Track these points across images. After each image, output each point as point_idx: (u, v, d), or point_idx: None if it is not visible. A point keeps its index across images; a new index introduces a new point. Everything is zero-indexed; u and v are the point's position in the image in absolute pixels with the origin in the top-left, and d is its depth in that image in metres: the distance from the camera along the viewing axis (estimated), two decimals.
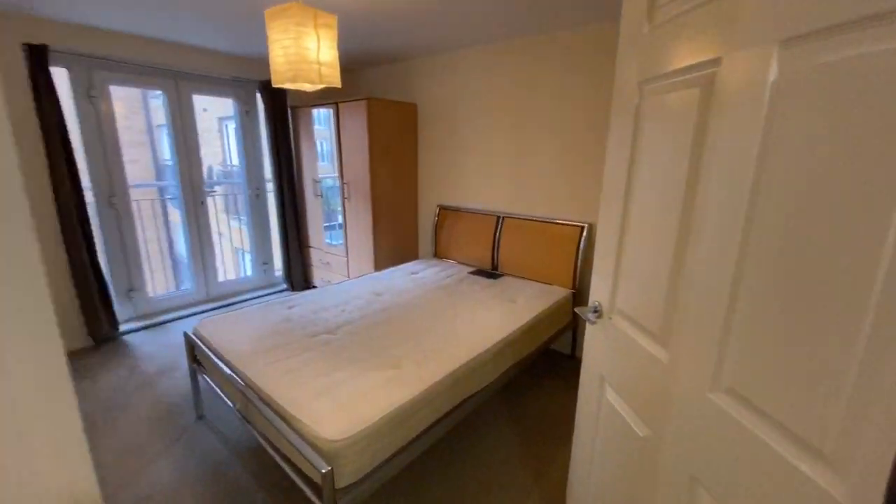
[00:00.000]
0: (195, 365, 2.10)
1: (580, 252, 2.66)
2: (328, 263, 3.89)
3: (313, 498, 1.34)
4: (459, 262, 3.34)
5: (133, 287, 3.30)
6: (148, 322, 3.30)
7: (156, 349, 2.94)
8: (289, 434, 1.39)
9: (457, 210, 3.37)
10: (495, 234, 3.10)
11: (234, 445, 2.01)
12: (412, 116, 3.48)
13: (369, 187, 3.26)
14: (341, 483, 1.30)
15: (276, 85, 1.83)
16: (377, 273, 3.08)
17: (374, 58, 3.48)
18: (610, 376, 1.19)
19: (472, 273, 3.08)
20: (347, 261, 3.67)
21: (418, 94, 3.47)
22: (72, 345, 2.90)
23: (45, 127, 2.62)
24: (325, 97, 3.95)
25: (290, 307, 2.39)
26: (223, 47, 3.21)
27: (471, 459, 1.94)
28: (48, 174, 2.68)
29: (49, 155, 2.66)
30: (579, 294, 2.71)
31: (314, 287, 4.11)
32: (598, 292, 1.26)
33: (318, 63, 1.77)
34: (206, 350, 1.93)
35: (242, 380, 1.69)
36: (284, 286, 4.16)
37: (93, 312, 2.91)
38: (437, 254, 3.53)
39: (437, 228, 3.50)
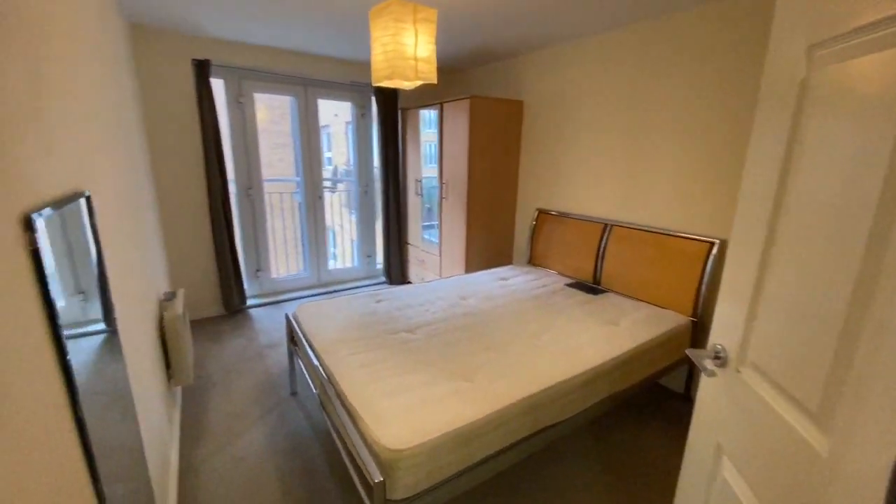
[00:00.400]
0: (292, 345, 2.28)
1: (707, 274, 2.20)
2: (423, 261, 3.96)
3: (367, 502, 1.30)
4: (556, 272, 3.08)
5: (260, 268, 3.78)
6: (268, 300, 3.75)
7: (270, 325, 3.31)
8: (352, 433, 1.38)
9: (558, 215, 3.11)
10: (600, 243, 2.77)
11: (316, 426, 2.12)
12: (517, 114, 3.32)
13: (466, 187, 3.19)
14: (394, 495, 1.24)
15: (375, 83, 1.85)
16: (467, 275, 3.00)
17: (480, 56, 3.41)
18: (731, 448, 0.89)
19: (570, 285, 2.80)
20: (440, 260, 3.67)
21: (525, 91, 3.29)
22: (210, 312, 3.43)
23: (204, 129, 3.13)
24: (431, 97, 4.02)
25: (377, 301, 2.44)
26: (344, 54, 3.46)
27: (543, 498, 1.73)
28: (204, 168, 3.20)
29: (205, 152, 3.17)
30: (701, 325, 2.25)
31: (409, 283, 4.23)
32: (722, 332, 0.96)
33: (415, 59, 1.74)
34: (300, 333, 2.07)
35: (323, 368, 1.75)
36: (383, 279, 4.36)
37: (228, 286, 3.40)
38: (533, 260, 3.31)
39: (534, 233, 3.28)
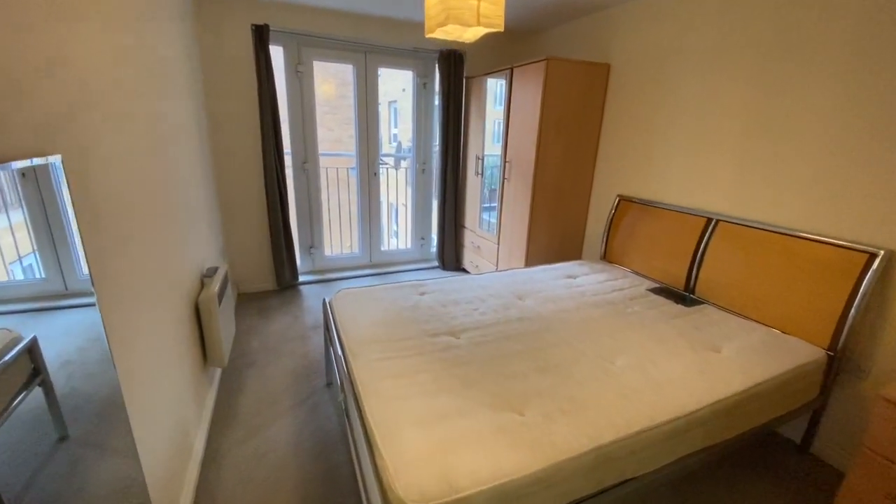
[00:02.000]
0: (328, 333, 2.10)
1: (860, 294, 1.61)
2: (479, 247, 3.62)
3: None
4: (636, 273, 2.57)
5: (314, 244, 3.70)
6: (320, 277, 3.67)
7: (318, 304, 3.21)
8: (366, 466, 1.12)
9: (644, 204, 2.57)
10: (700, 242, 2.22)
11: (346, 427, 1.92)
12: (601, 80, 2.78)
13: (533, 167, 2.76)
14: None
15: (428, 34, 1.51)
16: (526, 269, 2.61)
17: (558, 12, 2.89)
18: None
19: (654, 290, 2.30)
20: (498, 248, 3.30)
21: (613, 52, 2.73)
22: (262, 286, 3.42)
23: (261, 98, 3.02)
24: (502, 62, 3.57)
25: (421, 293, 2.17)
26: (406, 13, 3.13)
27: None
28: (260, 140, 3.11)
29: (262, 123, 3.07)
30: (841, 361, 1.68)
31: (464, 270, 3.92)
32: None
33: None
34: (333, 325, 1.87)
35: (349, 372, 1.52)
36: (436, 263, 4.10)
37: (280, 262, 3.35)
38: (608, 257, 2.82)
39: (612, 225, 2.77)
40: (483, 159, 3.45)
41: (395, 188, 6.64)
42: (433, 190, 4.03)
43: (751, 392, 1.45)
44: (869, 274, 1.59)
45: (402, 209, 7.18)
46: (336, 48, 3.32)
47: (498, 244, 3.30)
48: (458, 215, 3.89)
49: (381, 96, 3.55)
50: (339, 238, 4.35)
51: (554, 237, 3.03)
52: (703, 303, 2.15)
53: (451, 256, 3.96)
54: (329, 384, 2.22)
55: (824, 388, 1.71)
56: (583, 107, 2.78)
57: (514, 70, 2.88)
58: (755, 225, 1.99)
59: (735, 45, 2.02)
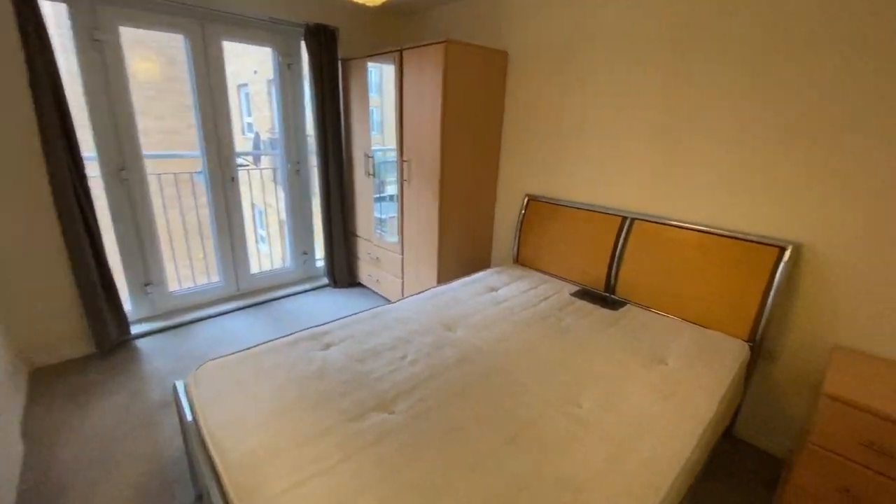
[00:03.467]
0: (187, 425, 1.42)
1: (775, 286, 1.67)
2: (378, 259, 3.14)
3: None
4: (554, 276, 2.45)
5: (150, 280, 2.73)
6: (166, 323, 2.73)
7: (169, 363, 2.35)
8: None
9: (554, 204, 2.45)
10: (617, 241, 2.16)
11: None
12: (500, 69, 2.54)
13: (439, 168, 2.40)
14: None
15: None
16: (444, 287, 2.26)
17: None
18: None
19: (577, 294, 2.19)
20: (402, 259, 2.89)
21: (510, 38, 2.51)
22: (73, 352, 2.37)
23: (34, 79, 1.98)
24: (383, 43, 3.10)
25: (325, 346, 1.63)
26: None
27: None
28: (39, 140, 2.07)
29: (40, 117, 2.03)
30: (760, 351, 1.75)
31: (361, 286, 3.40)
32: None
33: None
34: (200, 436, 1.22)
35: None
36: (325, 281, 3.48)
37: (97, 313, 2.34)
38: (521, 260, 2.65)
39: (523, 226, 2.61)
40: (373, 157, 2.95)
41: (262, 191, 5.59)
42: (313, 195, 3.37)
43: (719, 411, 1.37)
44: (780, 267, 1.66)
45: (270, 212, 6.10)
46: (155, 10, 2.40)
47: (402, 254, 2.88)
48: (349, 223, 3.33)
49: (228, 78, 2.73)
50: (190, 266, 3.35)
51: (465, 243, 2.75)
52: (625, 303, 2.10)
53: (343, 271, 3.39)
54: (201, 497, 1.54)
55: (747, 377, 1.77)
56: (484, 98, 2.51)
57: (405, 53, 2.45)
58: (671, 222, 1.99)
59: (644, 36, 1.95)
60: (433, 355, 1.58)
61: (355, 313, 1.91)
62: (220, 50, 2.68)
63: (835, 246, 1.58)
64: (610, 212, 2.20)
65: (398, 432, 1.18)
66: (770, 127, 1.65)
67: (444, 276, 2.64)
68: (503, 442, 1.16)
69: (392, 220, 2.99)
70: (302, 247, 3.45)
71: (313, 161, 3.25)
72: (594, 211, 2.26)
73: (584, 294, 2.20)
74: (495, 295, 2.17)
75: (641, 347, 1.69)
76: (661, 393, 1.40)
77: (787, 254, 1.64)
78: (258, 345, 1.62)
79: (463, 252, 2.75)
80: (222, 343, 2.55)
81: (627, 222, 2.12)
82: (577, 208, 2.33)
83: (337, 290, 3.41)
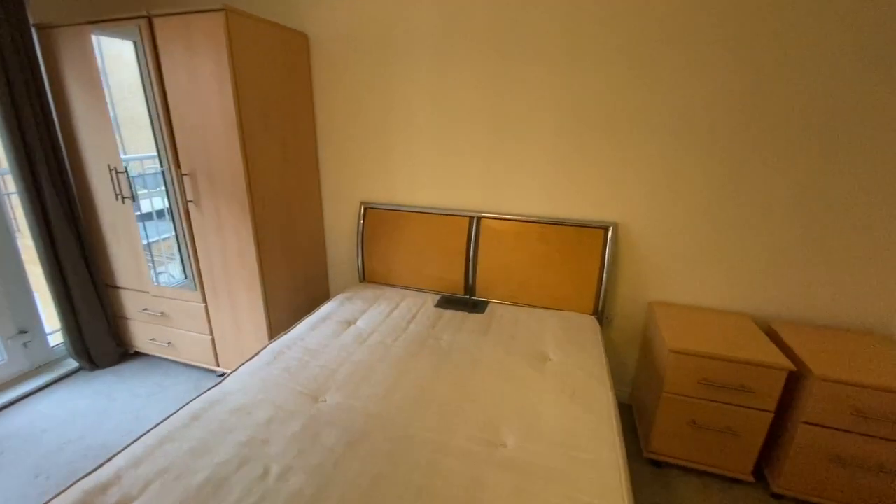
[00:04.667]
0: None
1: (607, 260, 1.89)
2: (164, 314, 2.23)
3: None
4: (409, 288, 2.23)
5: None
6: None
7: None
8: None
9: (397, 210, 2.20)
10: (469, 242, 2.09)
11: None
12: (303, 56, 2.08)
13: (244, 177, 1.80)
14: None
15: None
16: (286, 338, 1.72)
17: None
18: None
19: (441, 304, 2.03)
20: (206, 308, 2.12)
21: (310, 19, 2.07)
22: None
23: None
24: (119, 7, 2.17)
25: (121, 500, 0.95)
26: None
27: None
28: None
29: None
30: (602, 320, 1.98)
31: (140, 354, 2.41)
32: None
33: None
34: None
35: None
36: (74, 365, 2.30)
37: None
38: (368, 277, 2.32)
39: (365, 239, 2.27)
40: (126, 173, 2.02)
41: None
42: (17, 238, 2.13)
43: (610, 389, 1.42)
44: (608, 244, 1.89)
45: None
46: None
47: (204, 301, 2.11)
48: (98, 271, 2.25)
49: None
50: None
51: (295, 270, 2.20)
52: (487, 303, 2.07)
53: (103, 342, 2.30)
54: None
55: None
56: (290, 90, 2.01)
57: (156, 23, 1.70)
58: (513, 217, 2.02)
59: (463, 30, 1.86)
60: (309, 451, 1.12)
61: (158, 424, 1.21)
62: None
63: (636, 222, 1.88)
64: (456, 213, 2.10)
65: None
66: (583, 123, 1.83)
67: (277, 320, 2.06)
68: None
69: (175, 254, 2.15)
70: (15, 323, 2.16)
71: (12, 187, 2.03)
72: (440, 214, 2.13)
73: (448, 302, 2.06)
74: (356, 329, 1.80)
75: (522, 347, 1.66)
76: (563, 394, 1.38)
77: (611, 232, 1.88)
78: None
79: (295, 281, 2.21)
80: None
81: (475, 221, 2.07)
82: (422, 212, 2.15)
83: (100, 373, 2.29)
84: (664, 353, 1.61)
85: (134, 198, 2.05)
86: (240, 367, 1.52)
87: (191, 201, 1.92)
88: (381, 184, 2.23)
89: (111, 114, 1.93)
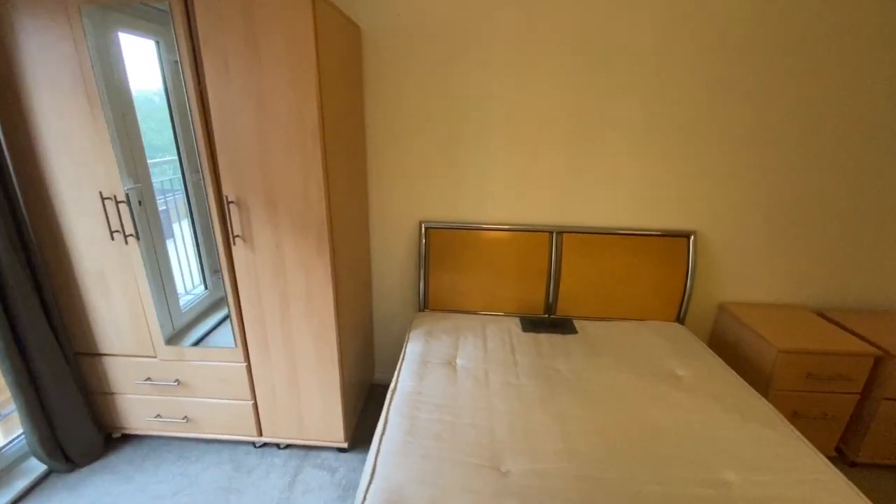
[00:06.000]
0: None
1: (690, 268, 1.94)
2: (180, 383, 1.72)
3: None
4: (482, 313, 2.04)
5: None
6: None
7: None
8: None
9: (467, 228, 1.99)
10: (550, 258, 1.97)
11: None
12: (356, 53, 1.75)
13: (325, 208, 1.44)
14: None
15: None
16: (401, 393, 1.44)
17: None
18: None
19: (527, 328, 1.89)
20: (248, 368, 1.68)
21: (363, 8, 1.74)
22: None
23: None
24: None
25: None
26: None
27: None
28: None
29: None
30: (684, 325, 2.03)
31: (133, 437, 1.86)
32: None
33: None
34: None
35: None
36: (42, 467, 1.66)
37: None
38: (431, 305, 2.07)
39: (428, 262, 2.01)
40: (128, 199, 1.49)
41: None
42: None
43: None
44: (691, 251, 1.93)
45: None
46: None
47: (247, 359, 1.67)
48: (68, 336, 1.65)
49: None
50: None
51: (357, 310, 1.86)
52: (571, 320, 1.99)
53: (80, 430, 1.69)
54: None
55: None
56: (349, 94, 1.67)
57: (195, 5, 1.26)
58: (595, 230, 1.96)
59: (547, 32, 1.72)
60: None
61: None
62: None
63: (711, 228, 1.96)
64: (534, 229, 1.97)
65: None
66: (667, 132, 1.83)
67: (348, 372, 1.72)
68: None
69: (211, 310, 1.65)
70: None
71: None
72: (517, 230, 1.97)
73: (533, 325, 1.93)
74: (466, 371, 1.58)
75: (644, 366, 1.62)
76: (732, 413, 1.36)
77: (692, 239, 1.93)
78: None
79: (354, 321, 1.87)
80: None
81: (555, 236, 1.96)
82: (496, 229, 1.98)
83: (83, 473, 1.69)
84: (770, 353, 1.70)
85: (137, 234, 1.52)
86: (379, 446, 1.21)
87: (238, 236, 1.49)
88: (444, 200, 1.99)
89: (109, 129, 1.39)
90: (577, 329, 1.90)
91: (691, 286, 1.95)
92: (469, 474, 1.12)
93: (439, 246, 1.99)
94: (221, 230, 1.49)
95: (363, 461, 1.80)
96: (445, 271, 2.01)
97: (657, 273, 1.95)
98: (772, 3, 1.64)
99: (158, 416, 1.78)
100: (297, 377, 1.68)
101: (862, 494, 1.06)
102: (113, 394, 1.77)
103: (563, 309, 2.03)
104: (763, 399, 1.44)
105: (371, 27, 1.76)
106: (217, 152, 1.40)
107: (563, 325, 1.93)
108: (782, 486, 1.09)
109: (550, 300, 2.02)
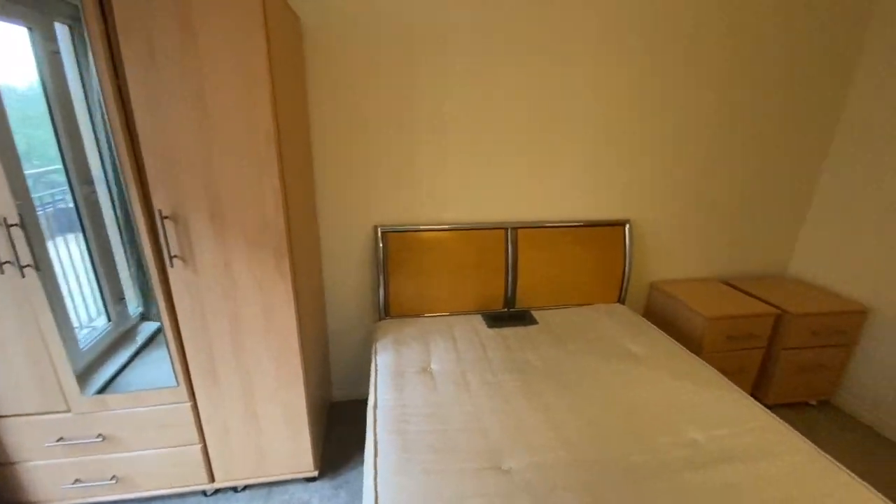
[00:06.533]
0: None
1: (627, 253, 2.13)
2: (104, 437, 1.44)
3: None
4: (446, 314, 2.02)
5: None
6: None
7: None
8: None
9: (425, 230, 1.95)
10: (506, 254, 2.02)
11: None
12: (298, 47, 1.60)
13: (281, 213, 1.29)
14: None
15: None
16: (383, 409, 1.36)
17: None
18: None
19: (491, 324, 1.93)
20: (194, 407, 1.46)
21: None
22: None
23: None
24: None
25: None
26: None
27: None
28: None
29: None
30: (624, 304, 2.22)
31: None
32: None
33: None
34: None
35: None
36: None
37: None
38: (393, 311, 1.99)
39: (387, 267, 1.93)
40: (21, 222, 1.19)
41: None
42: None
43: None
44: (627, 238, 2.12)
45: None
46: None
47: (192, 398, 1.45)
48: None
49: None
50: None
51: (314, 326, 1.72)
52: (530, 311, 2.06)
53: None
54: None
55: None
56: (294, 90, 1.52)
57: None
58: (545, 224, 2.05)
59: (501, 24, 1.75)
60: None
61: None
62: None
63: (641, 216, 2.18)
64: (491, 226, 2.00)
65: None
66: (605, 131, 1.98)
67: (311, 394, 1.59)
68: None
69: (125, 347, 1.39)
70: None
71: None
72: (475, 229, 1.98)
73: (495, 320, 1.97)
74: (444, 375, 1.55)
75: (605, 349, 1.75)
76: (684, 380, 1.53)
77: (628, 228, 2.12)
78: None
79: (316, 334, 1.72)
80: None
81: (510, 232, 2.02)
82: (455, 229, 1.97)
83: None
84: (699, 321, 1.94)
85: (36, 264, 1.22)
86: (375, 469, 1.13)
87: (175, 256, 1.28)
88: (399, 203, 1.93)
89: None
90: (537, 319, 1.98)
91: (629, 269, 2.15)
92: (474, 479, 1.10)
93: (397, 250, 1.93)
94: (153, 250, 1.27)
95: (336, 487, 1.68)
96: (405, 275, 1.95)
97: (600, 259, 2.12)
98: (692, 21, 1.85)
99: (78, 480, 1.46)
100: (254, 407, 1.50)
101: (794, 430, 1.27)
102: (13, 464, 1.41)
103: (521, 301, 2.10)
104: (705, 363, 1.64)
105: (311, 18, 1.63)
106: (144, 158, 1.18)
107: (523, 318, 1.99)
108: (737, 437, 1.25)
109: (509, 294, 2.07)
